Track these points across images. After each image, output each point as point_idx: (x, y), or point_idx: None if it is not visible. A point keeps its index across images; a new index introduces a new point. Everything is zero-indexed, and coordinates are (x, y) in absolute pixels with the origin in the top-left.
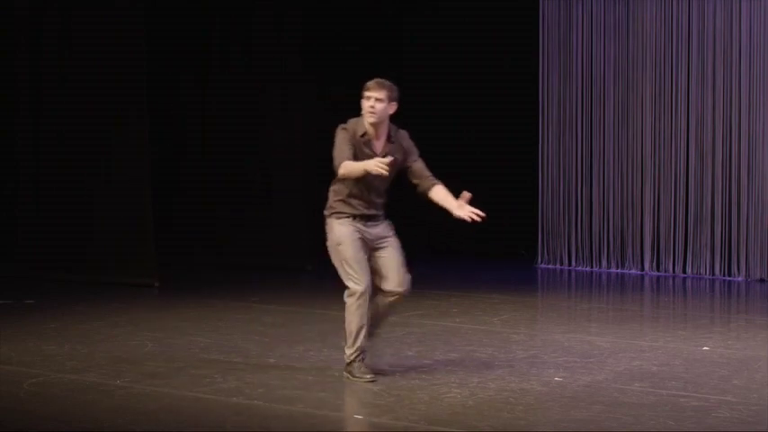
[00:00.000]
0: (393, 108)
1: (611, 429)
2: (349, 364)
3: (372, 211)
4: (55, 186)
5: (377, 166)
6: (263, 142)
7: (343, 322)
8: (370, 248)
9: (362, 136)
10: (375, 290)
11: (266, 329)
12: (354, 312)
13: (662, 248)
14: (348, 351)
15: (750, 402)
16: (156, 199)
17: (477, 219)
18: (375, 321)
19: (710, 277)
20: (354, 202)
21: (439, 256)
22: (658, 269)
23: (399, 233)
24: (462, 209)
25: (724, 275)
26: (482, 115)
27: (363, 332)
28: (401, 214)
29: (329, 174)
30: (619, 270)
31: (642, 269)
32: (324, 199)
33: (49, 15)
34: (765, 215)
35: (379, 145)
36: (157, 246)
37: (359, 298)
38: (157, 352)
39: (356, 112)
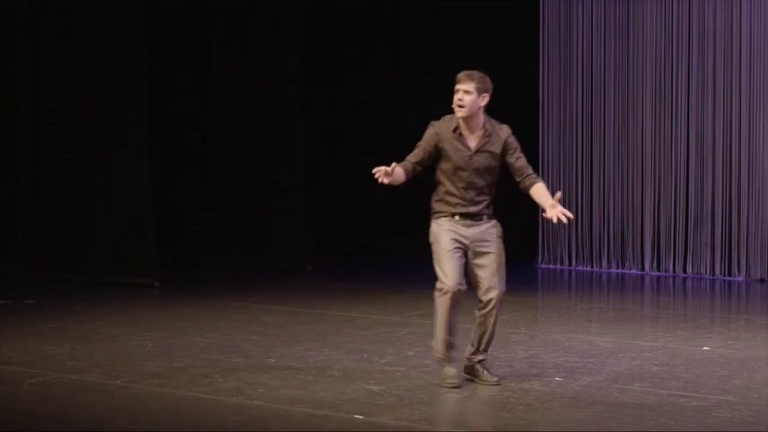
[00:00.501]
0: (485, 100)
1: (612, 429)
2: (441, 359)
3: (473, 210)
4: (55, 186)
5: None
6: (264, 142)
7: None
8: (471, 251)
9: (455, 131)
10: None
11: (266, 329)
12: (437, 310)
13: (662, 248)
14: (432, 344)
15: (750, 402)
16: (155, 199)
17: (565, 220)
18: (479, 337)
19: (711, 277)
20: (452, 199)
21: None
22: (659, 269)
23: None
24: (554, 209)
25: (724, 275)
26: None
27: (444, 331)
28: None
29: (331, 173)
30: (619, 270)
31: (642, 269)
32: (318, 198)
33: (48, 15)
34: (765, 215)
35: (472, 139)
36: (157, 246)
37: (442, 295)
38: (157, 352)
39: (358, 111)
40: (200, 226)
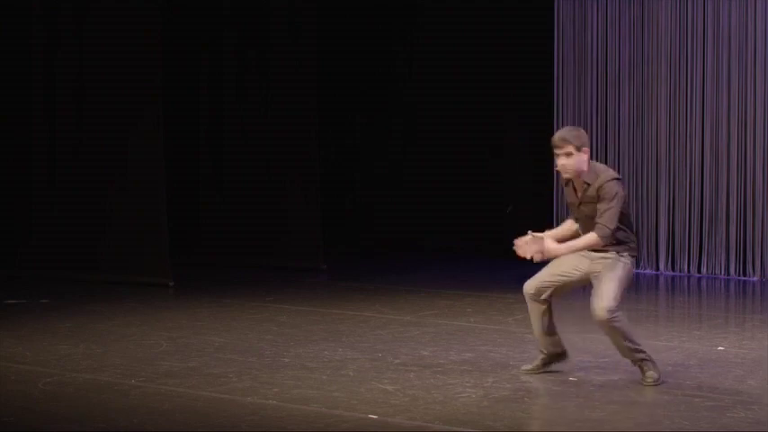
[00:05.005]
0: (586, 153)
1: (626, 429)
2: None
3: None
4: (70, 186)
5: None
6: (278, 142)
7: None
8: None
9: (567, 183)
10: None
11: (281, 329)
12: None
13: (677, 248)
14: None
15: (765, 402)
16: (170, 199)
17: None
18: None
19: (725, 277)
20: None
21: (454, 256)
22: (673, 269)
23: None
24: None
25: (739, 275)
26: (496, 115)
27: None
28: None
29: (345, 173)
30: (634, 270)
31: (657, 269)
32: (328, 197)
33: (64, 15)
34: None
35: (580, 190)
36: (172, 245)
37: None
38: (172, 351)
39: (373, 110)
40: (214, 226)
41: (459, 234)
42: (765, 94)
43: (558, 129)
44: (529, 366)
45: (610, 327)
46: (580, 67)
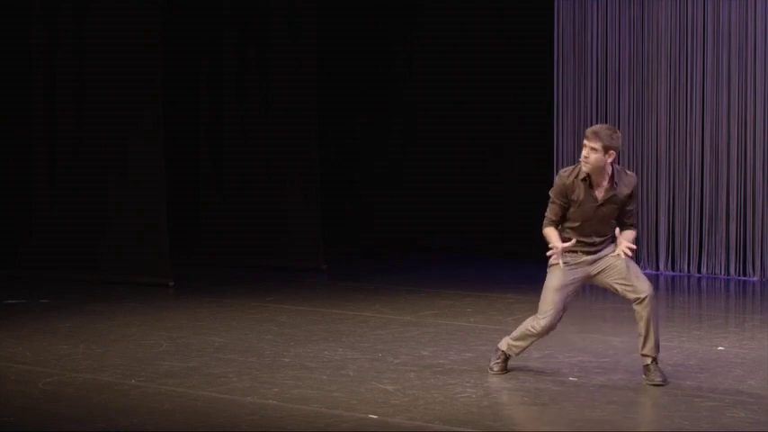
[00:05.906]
0: (611, 157)
1: (626, 429)
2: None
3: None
4: (70, 186)
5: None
6: (278, 142)
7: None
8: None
9: (584, 180)
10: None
11: (280, 329)
12: None
13: (677, 248)
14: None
15: (765, 402)
16: (170, 199)
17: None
18: None
19: (725, 277)
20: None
21: (454, 256)
22: (673, 269)
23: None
24: (619, 246)
25: (739, 275)
26: (496, 115)
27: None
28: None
29: (345, 173)
30: None
31: (657, 269)
32: (328, 197)
33: (64, 15)
34: None
35: (600, 190)
36: (172, 245)
37: None
38: (172, 351)
39: (373, 110)
40: (214, 226)
41: (459, 234)
42: (765, 94)
43: (557, 129)
44: (498, 368)
45: (656, 300)
46: (580, 67)
